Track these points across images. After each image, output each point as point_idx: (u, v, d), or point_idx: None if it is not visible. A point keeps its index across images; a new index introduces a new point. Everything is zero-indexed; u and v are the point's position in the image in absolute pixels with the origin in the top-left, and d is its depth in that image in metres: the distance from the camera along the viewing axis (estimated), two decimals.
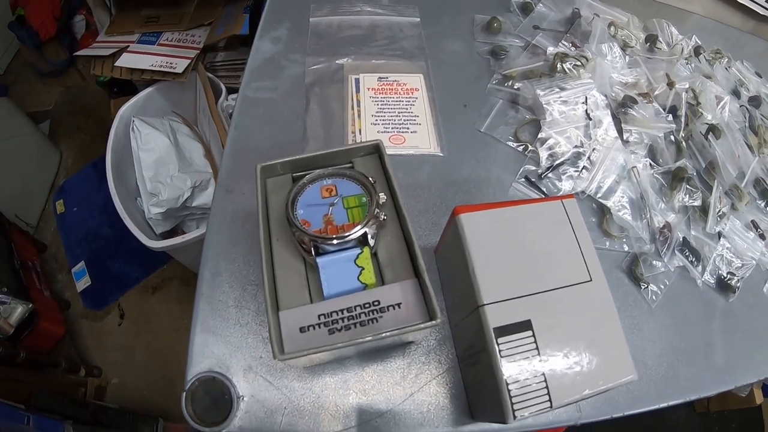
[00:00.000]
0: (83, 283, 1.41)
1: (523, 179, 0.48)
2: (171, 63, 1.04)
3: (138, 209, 1.07)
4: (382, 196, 0.32)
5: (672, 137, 0.56)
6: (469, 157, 0.49)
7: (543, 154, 0.49)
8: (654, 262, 0.46)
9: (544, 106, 0.52)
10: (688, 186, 0.50)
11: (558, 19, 0.66)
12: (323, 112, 0.49)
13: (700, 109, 0.59)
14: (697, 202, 0.50)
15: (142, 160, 1.02)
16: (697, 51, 0.69)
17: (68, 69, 1.68)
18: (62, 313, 1.30)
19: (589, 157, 0.50)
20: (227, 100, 1.04)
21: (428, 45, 0.59)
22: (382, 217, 0.32)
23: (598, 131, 0.51)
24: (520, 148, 0.51)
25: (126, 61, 1.07)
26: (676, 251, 0.47)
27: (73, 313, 1.37)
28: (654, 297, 0.44)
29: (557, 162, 0.49)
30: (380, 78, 0.53)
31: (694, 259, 0.47)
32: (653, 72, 0.61)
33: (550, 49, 0.59)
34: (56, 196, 1.54)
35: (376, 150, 0.36)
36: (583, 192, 0.48)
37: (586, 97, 0.53)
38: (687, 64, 0.64)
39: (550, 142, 0.50)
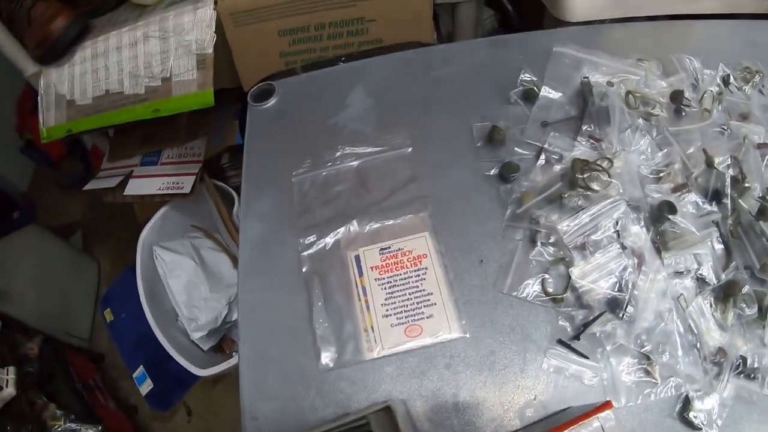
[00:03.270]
0: (146, 386, 1.43)
1: (558, 345, 0.43)
2: (177, 183, 1.04)
3: (180, 329, 1.08)
4: None
5: (718, 235, 0.48)
6: (496, 332, 0.44)
7: (575, 309, 0.44)
8: (706, 398, 0.41)
9: (567, 243, 0.45)
10: (743, 302, 0.44)
11: (567, 99, 0.58)
12: (329, 310, 0.45)
13: (746, 183, 0.51)
14: (753, 311, 0.44)
15: (173, 287, 1.03)
16: (725, 81, 0.60)
17: (88, 177, 1.72)
18: (131, 421, 1.34)
19: (628, 303, 0.43)
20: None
21: (427, 182, 0.53)
22: None
23: (637, 267, 0.45)
24: (550, 304, 0.45)
25: (134, 188, 1.08)
26: (732, 377, 0.42)
27: (142, 416, 1.40)
28: None
29: (592, 317, 0.43)
30: (382, 250, 0.48)
31: (753, 376, 0.42)
32: (687, 147, 0.53)
33: (566, 156, 0.52)
34: (102, 305, 1.56)
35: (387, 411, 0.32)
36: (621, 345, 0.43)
37: (617, 221, 0.46)
38: (721, 131, 0.56)
39: (583, 290, 0.44)
